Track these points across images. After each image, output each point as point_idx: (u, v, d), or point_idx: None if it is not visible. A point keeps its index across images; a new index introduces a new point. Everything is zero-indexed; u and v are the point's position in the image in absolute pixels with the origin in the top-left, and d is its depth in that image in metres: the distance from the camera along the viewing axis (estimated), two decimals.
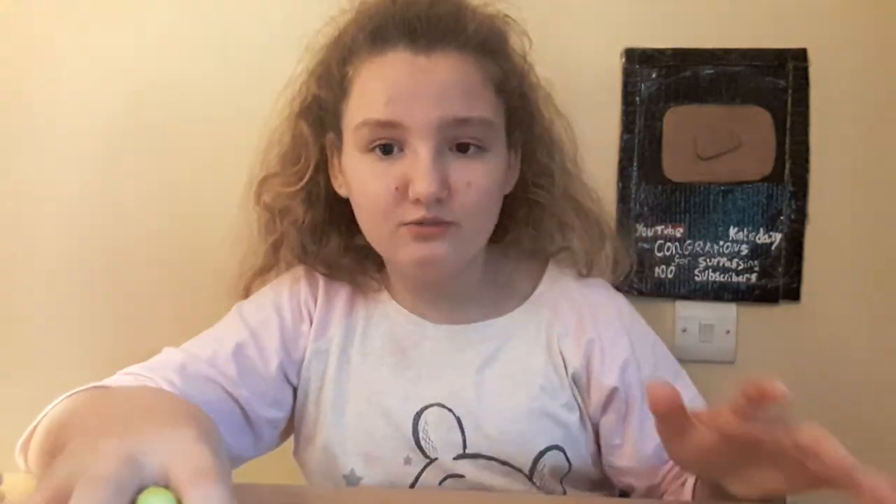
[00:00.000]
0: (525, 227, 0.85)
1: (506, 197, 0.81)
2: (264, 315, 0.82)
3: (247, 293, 0.88)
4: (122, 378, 0.73)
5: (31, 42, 1.08)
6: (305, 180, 0.82)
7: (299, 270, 0.86)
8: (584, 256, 0.86)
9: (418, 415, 0.79)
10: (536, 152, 0.84)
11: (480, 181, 0.73)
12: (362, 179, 0.75)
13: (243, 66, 1.06)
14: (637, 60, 1.03)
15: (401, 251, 0.75)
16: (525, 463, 0.78)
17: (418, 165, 0.71)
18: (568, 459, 0.79)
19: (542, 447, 0.78)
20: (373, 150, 0.73)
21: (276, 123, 0.85)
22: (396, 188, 0.72)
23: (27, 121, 1.09)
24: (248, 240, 0.88)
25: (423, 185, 0.70)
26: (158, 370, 0.74)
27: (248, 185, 0.87)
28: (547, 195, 0.84)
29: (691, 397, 0.81)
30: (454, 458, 0.78)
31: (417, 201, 0.71)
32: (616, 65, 1.03)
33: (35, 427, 0.65)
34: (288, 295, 0.84)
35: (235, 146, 1.06)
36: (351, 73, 0.76)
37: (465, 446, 0.78)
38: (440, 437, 0.79)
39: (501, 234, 0.84)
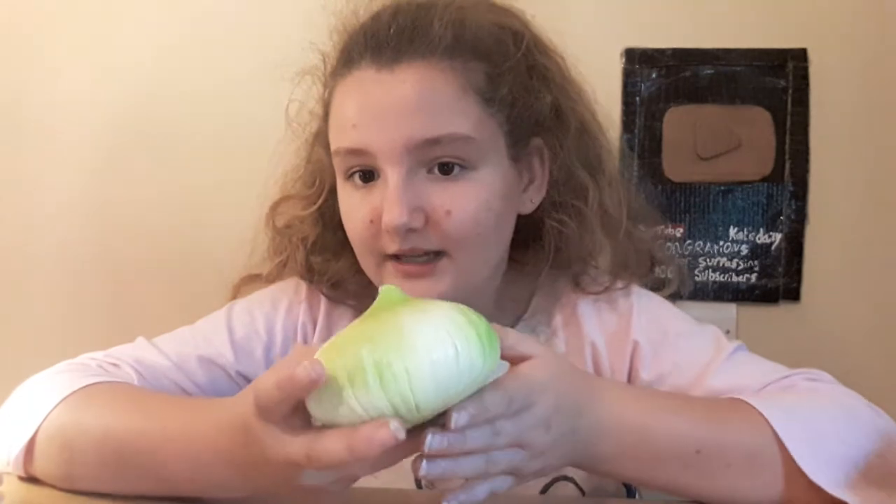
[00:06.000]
0: (548, 252, 0.76)
1: (532, 215, 0.74)
2: (252, 330, 0.79)
3: (235, 293, 0.86)
4: (88, 363, 0.71)
5: (32, 43, 1.08)
6: (319, 203, 0.78)
7: (302, 287, 0.82)
8: (609, 275, 0.78)
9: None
10: (565, 163, 0.74)
11: (464, 206, 0.66)
12: (344, 210, 0.71)
13: (245, 67, 1.05)
14: (637, 60, 1.03)
15: None
16: (531, 497, 0.71)
17: (387, 194, 0.65)
18: (580, 488, 0.74)
19: (546, 480, 0.72)
20: (351, 177, 0.68)
21: (292, 146, 0.81)
22: (371, 221, 0.67)
23: (28, 121, 1.09)
24: (255, 251, 0.85)
25: (389, 215, 0.64)
26: (125, 359, 0.73)
27: (260, 199, 0.84)
28: (575, 218, 0.74)
29: (740, 381, 0.70)
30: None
31: (389, 233, 0.65)
32: (616, 65, 1.03)
33: (35, 434, 0.63)
34: (285, 313, 0.80)
35: (237, 147, 1.06)
36: (327, 96, 0.72)
37: None
38: None
39: (522, 253, 0.77)
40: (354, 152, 0.67)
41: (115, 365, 0.72)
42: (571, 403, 0.56)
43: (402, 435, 0.45)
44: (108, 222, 1.09)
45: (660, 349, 0.74)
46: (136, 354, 0.74)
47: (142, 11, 1.07)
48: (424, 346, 0.45)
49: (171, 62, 1.07)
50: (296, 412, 0.48)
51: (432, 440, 0.48)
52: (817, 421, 0.61)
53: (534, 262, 0.78)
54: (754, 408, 0.61)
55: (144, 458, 0.59)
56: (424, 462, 0.50)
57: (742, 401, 0.63)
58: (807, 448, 0.59)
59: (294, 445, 0.48)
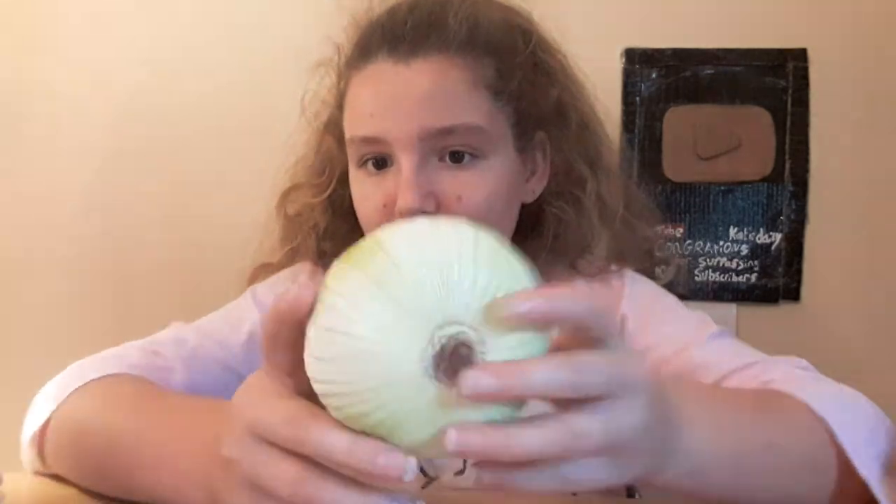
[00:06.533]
0: (546, 239, 0.77)
1: (532, 205, 0.76)
2: None
3: (252, 281, 0.86)
4: (130, 352, 0.72)
5: (32, 44, 1.08)
6: (329, 191, 0.80)
7: (318, 270, 0.83)
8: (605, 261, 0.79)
9: None
10: (566, 156, 0.76)
11: (474, 193, 0.68)
12: (357, 196, 0.73)
13: (246, 67, 1.06)
14: (637, 60, 1.03)
15: None
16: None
17: (401, 179, 0.67)
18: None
19: None
20: (364, 164, 0.71)
21: (304, 135, 0.83)
22: (385, 205, 0.69)
23: (29, 121, 1.09)
24: (264, 241, 0.86)
25: (403, 199, 0.66)
26: (167, 346, 0.73)
27: (271, 190, 0.85)
28: (573, 205, 0.76)
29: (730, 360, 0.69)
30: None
31: (402, 216, 0.66)
32: (616, 65, 1.03)
33: (48, 420, 0.63)
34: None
35: (237, 147, 1.07)
36: (343, 87, 0.74)
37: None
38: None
39: (520, 241, 0.80)
40: (370, 140, 0.69)
41: (155, 353, 0.72)
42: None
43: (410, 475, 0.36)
44: (108, 222, 1.09)
45: (646, 324, 0.75)
46: (176, 337, 0.75)
47: (143, 11, 1.07)
48: (405, 245, 0.37)
49: (171, 61, 1.07)
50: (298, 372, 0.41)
51: (468, 375, 0.35)
52: (854, 414, 0.60)
53: (531, 250, 0.79)
54: (802, 401, 0.57)
55: (120, 455, 0.58)
56: (453, 430, 0.35)
57: (786, 394, 0.58)
58: (855, 441, 0.55)
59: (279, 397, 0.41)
